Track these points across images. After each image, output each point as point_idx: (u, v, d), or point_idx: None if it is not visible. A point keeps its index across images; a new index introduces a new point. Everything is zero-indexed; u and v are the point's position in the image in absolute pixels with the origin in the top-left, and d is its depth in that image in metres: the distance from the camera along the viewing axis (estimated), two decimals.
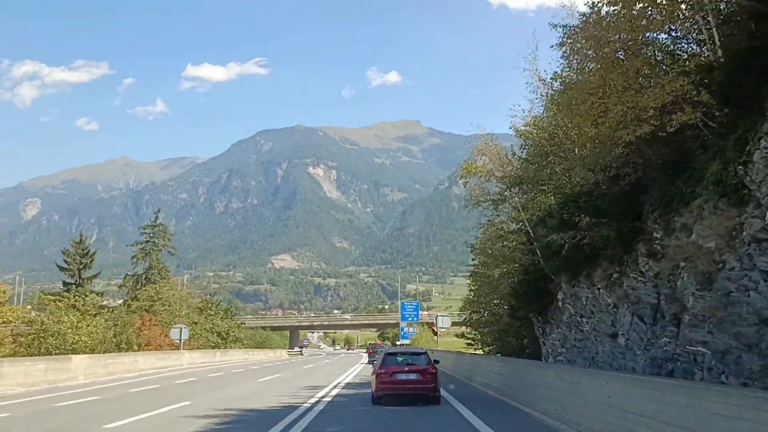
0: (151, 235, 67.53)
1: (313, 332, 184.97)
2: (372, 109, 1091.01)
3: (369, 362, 44.58)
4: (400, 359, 18.07)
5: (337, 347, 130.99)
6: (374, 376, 17.59)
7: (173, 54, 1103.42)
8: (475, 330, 42.41)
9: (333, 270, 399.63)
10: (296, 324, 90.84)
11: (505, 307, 29.56)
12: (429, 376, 17.19)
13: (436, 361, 18.90)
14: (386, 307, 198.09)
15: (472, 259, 39.41)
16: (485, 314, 37.74)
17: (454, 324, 49.22)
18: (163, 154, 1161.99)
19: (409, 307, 65.16)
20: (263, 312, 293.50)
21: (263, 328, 78.58)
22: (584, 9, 15.32)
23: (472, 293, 40.55)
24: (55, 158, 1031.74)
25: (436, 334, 50.73)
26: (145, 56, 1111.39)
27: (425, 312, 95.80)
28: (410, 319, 63.49)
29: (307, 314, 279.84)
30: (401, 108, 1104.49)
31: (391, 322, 79.17)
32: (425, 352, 19.03)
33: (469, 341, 45.99)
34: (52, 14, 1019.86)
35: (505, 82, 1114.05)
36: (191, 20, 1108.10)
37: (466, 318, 43.36)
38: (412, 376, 17.20)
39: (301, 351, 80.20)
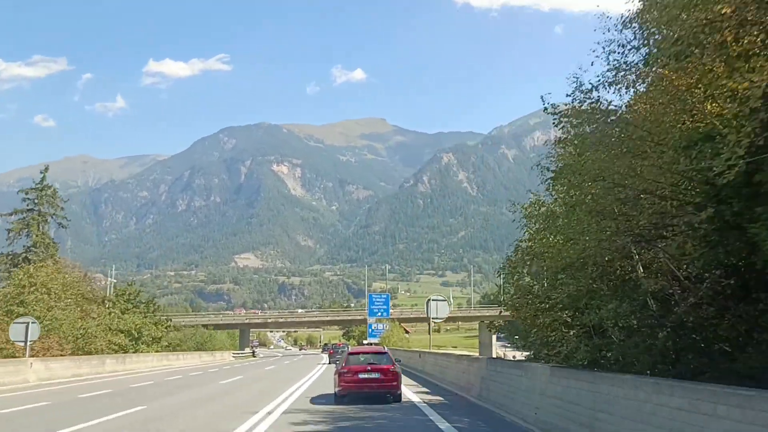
0: (35, 201, 51.62)
1: (273, 332, 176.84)
2: (337, 107, 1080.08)
3: (331, 362, 44.55)
4: (362, 358, 18.45)
5: (304, 348, 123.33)
6: (337, 375, 17.96)
7: (134, 49, 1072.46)
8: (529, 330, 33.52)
9: (297, 268, 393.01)
10: (247, 321, 76.01)
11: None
12: (391, 374, 17.62)
13: (398, 360, 19.70)
14: (352, 305, 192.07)
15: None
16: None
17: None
18: (123, 151, 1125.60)
19: (377, 300, 57.38)
20: (227, 312, 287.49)
21: (205, 326, 67.20)
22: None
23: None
24: (11, 155, 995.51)
25: (407, 332, 43.90)
26: (105, 51, 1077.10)
27: (396, 309, 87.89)
28: (379, 314, 55.71)
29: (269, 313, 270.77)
30: (366, 106, 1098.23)
31: (357, 318, 71.72)
32: (387, 352, 19.71)
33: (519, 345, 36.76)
34: (9, 8, 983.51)
35: (469, 81, 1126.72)
36: (153, 15, 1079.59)
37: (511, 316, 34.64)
38: (375, 375, 17.54)
39: (253, 352, 72.04)
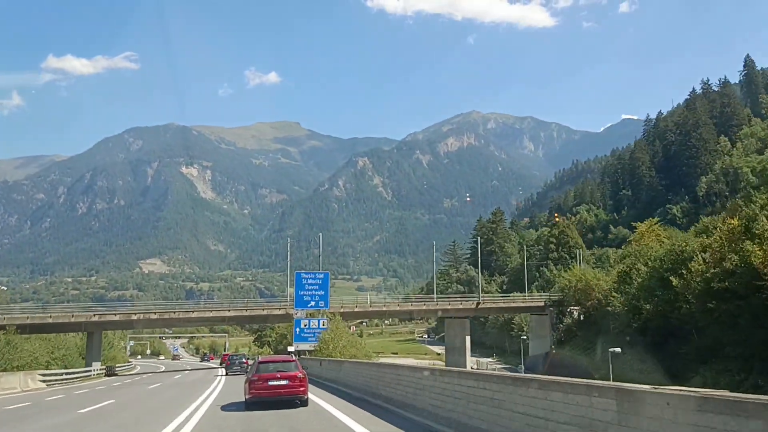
0: None
1: (166, 337, 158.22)
2: (250, 110, 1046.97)
3: (229, 374, 42.57)
4: (271, 367, 18.99)
5: (210, 358, 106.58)
6: (247, 384, 18.45)
7: (32, 43, 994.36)
8: None
9: (207, 274, 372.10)
10: (96, 320, 47.19)
11: None
12: (298, 381, 18.25)
13: (305, 367, 20.91)
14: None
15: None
16: None
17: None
18: (18, 151, 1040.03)
19: (310, 281, 39.91)
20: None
21: (19, 327, 40.64)
22: None
23: None
24: None
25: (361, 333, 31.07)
26: (0, 44, 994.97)
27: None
28: (312, 304, 39.59)
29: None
30: (280, 109, 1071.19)
31: (276, 313, 54.57)
32: (295, 360, 21.44)
33: None
34: None
35: (383, 87, 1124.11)
36: (54, 8, 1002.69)
37: None
38: (284, 382, 18.11)
39: (107, 370, 49.73)
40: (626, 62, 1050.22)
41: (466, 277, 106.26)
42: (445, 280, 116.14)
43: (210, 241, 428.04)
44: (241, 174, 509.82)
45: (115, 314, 50.48)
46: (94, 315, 47.45)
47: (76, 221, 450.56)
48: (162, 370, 63.16)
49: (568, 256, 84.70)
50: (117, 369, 53.50)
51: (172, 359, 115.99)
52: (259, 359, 22.99)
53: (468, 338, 56.12)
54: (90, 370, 44.35)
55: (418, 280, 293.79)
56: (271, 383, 17.94)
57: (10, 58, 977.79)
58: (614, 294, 47.53)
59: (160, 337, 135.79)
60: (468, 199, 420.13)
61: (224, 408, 18.27)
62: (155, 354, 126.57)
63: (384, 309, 57.62)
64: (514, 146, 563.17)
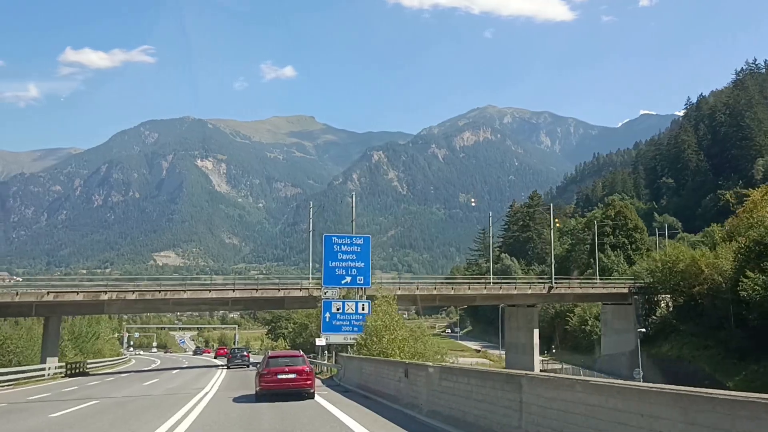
0: None
1: (182, 331, 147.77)
2: (265, 104, 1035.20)
3: (230, 367, 44.01)
4: (281, 361, 19.76)
5: (204, 351, 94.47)
6: (258, 377, 19.39)
7: (50, 37, 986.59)
8: None
9: (221, 267, 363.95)
10: (53, 300, 35.67)
11: None
12: (306, 375, 19.18)
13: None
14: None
15: None
16: None
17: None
18: (36, 144, 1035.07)
19: (345, 247, 29.38)
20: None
21: None
22: None
23: None
24: None
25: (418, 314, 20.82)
26: (19, 37, 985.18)
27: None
28: (348, 279, 28.82)
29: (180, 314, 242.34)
30: (296, 103, 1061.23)
31: (295, 294, 42.07)
32: (302, 355, 21.39)
33: None
34: None
35: (399, 82, 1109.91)
36: (71, 1, 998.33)
37: None
38: (292, 375, 18.94)
39: (68, 369, 37.66)
40: (646, 57, 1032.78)
41: (501, 267, 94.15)
42: (474, 270, 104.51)
43: (224, 234, 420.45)
44: (256, 167, 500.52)
45: (76, 292, 37.18)
46: (48, 293, 35.08)
47: (91, 213, 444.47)
48: (152, 367, 51.83)
49: (626, 241, 72.37)
50: (93, 365, 41.98)
51: (194, 353, 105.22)
52: (269, 354, 23.39)
53: (536, 332, 44.29)
54: (43, 368, 32.72)
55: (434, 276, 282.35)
56: (280, 377, 18.91)
57: (28, 51, 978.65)
58: (750, 274, 35.19)
59: (161, 328, 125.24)
60: (473, 202, 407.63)
61: None
62: (162, 347, 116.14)
63: (435, 293, 44.81)
64: (531, 141, 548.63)
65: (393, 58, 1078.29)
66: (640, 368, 38.21)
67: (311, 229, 47.94)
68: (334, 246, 29.31)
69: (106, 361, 50.41)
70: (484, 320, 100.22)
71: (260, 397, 18.82)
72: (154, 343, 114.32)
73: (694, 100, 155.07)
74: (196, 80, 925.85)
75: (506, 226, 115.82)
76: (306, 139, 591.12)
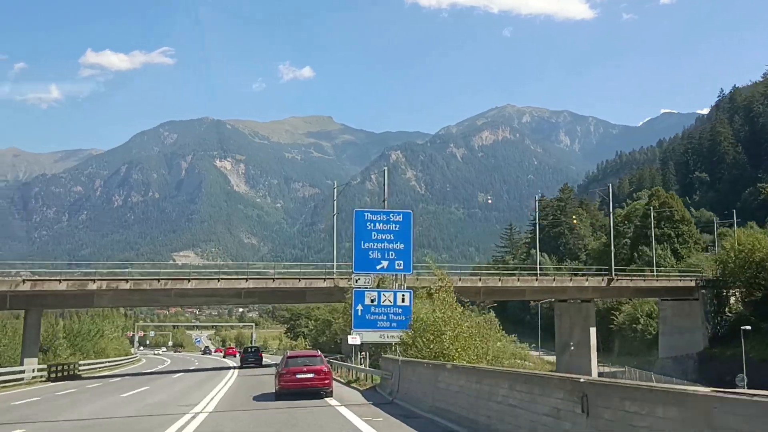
0: None
1: (199, 330, 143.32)
2: (283, 104, 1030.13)
3: (243, 366, 43.83)
4: (299, 361, 20.21)
5: (215, 351, 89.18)
6: (277, 376, 19.92)
7: (72, 39, 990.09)
8: None
9: (240, 267, 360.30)
10: (29, 290, 31.00)
11: None
12: (324, 374, 19.58)
13: (330, 362, 24.23)
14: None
15: None
16: None
17: None
18: (57, 145, 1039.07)
19: (381, 224, 24.30)
20: (160, 310, 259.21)
21: None
22: None
23: None
24: None
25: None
26: (41, 40, 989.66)
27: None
28: (385, 264, 23.82)
29: (199, 313, 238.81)
30: (313, 104, 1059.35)
31: (318, 285, 37.07)
32: (320, 355, 21.68)
33: None
34: None
35: (416, 81, 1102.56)
36: (93, 4, 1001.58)
37: None
38: (310, 375, 19.32)
39: (50, 370, 32.24)
40: (667, 55, 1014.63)
41: (530, 263, 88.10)
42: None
43: (243, 234, 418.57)
44: (274, 168, 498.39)
45: (59, 280, 32.02)
46: (24, 281, 29.83)
47: (111, 213, 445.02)
48: (157, 368, 46.89)
49: (672, 233, 66.32)
50: (89, 366, 36.98)
51: (203, 353, 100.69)
52: (288, 354, 23.17)
53: (594, 331, 38.68)
54: (22, 371, 27.72)
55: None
56: (298, 376, 19.19)
57: (50, 54, 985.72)
58: None
59: (175, 326, 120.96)
60: (489, 200, 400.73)
61: None
62: (178, 345, 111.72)
63: (479, 285, 39.10)
64: (550, 140, 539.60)
65: (411, 58, 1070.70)
66: (744, 374, 32.11)
67: (335, 212, 42.72)
68: (367, 224, 23.98)
69: (106, 362, 45.33)
70: (512, 319, 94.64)
71: (280, 396, 19.34)
72: (170, 342, 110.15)
73: (718, 94, 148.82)
74: (214, 81, 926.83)
75: (535, 221, 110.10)
76: (324, 140, 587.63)
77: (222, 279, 38.95)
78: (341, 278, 32.52)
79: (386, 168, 32.10)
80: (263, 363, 48.11)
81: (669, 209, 67.63)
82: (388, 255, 23.41)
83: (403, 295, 22.56)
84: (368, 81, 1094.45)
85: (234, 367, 42.96)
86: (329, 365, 20.98)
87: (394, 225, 23.80)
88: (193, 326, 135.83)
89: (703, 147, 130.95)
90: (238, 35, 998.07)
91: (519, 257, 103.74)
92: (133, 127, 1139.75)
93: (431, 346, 17.63)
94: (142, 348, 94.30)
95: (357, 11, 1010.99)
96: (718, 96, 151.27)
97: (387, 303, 22.28)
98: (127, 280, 35.48)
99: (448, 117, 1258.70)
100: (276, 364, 30.61)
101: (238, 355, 76.92)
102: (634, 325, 55.58)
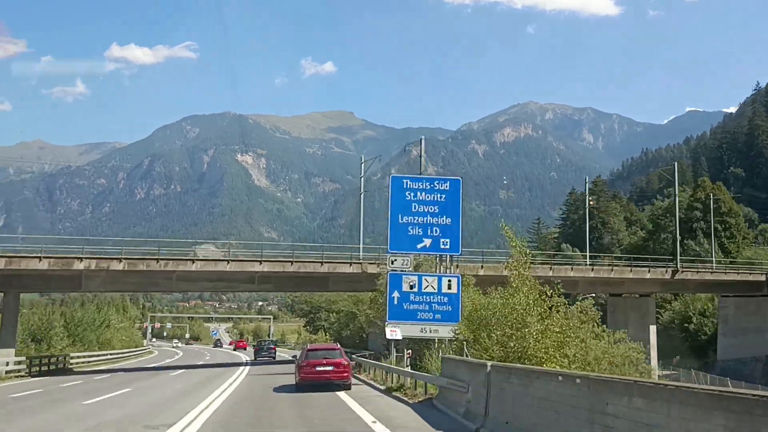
0: None
1: (217, 324, 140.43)
2: (305, 99, 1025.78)
3: (256, 359, 45.07)
4: (319, 354, 20.58)
5: (236, 344, 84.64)
6: (298, 368, 20.29)
7: (97, 33, 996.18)
8: None
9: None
10: (3, 267, 26.84)
11: None
12: (343, 367, 19.79)
13: (358, 359, 25.30)
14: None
15: None
16: None
17: None
18: (82, 138, 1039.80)
19: (423, 193, 20.38)
20: (182, 303, 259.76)
21: None
22: None
23: None
24: None
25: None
26: (66, 34, 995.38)
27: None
28: (427, 242, 19.65)
29: (219, 306, 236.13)
30: (335, 99, 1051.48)
31: (344, 270, 32.99)
32: (340, 348, 21.95)
33: None
34: None
35: (439, 77, 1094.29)
36: None
37: None
38: (329, 368, 19.54)
39: (36, 366, 28.69)
40: (693, 53, 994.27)
41: (560, 259, 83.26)
42: None
43: (263, 228, 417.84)
44: (295, 162, 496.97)
45: (39, 258, 26.78)
46: None
47: (134, 206, 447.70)
48: (164, 362, 43.10)
49: (719, 227, 61.30)
50: (84, 359, 33.20)
51: (214, 346, 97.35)
52: (308, 347, 23.76)
53: (653, 330, 34.35)
54: None
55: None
56: (318, 369, 19.36)
57: (75, 47, 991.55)
58: None
59: (190, 318, 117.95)
60: (507, 194, 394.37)
61: None
62: (192, 338, 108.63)
63: (536, 272, 34.59)
64: (573, 138, 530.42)
65: (433, 54, 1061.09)
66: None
67: (362, 191, 38.66)
68: (406, 193, 19.97)
69: (107, 354, 41.37)
70: None
71: (300, 387, 19.54)
72: (186, 335, 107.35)
73: (753, 88, 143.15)
74: (237, 76, 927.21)
75: (564, 216, 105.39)
76: (345, 135, 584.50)
77: (232, 261, 35.05)
78: (369, 263, 28.44)
79: (422, 138, 28.12)
80: (277, 357, 46.67)
81: (716, 201, 62.72)
82: (432, 231, 19.39)
83: (450, 281, 18.51)
84: (390, 76, 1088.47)
85: (244, 364, 38.80)
86: (348, 359, 21.18)
87: (439, 195, 19.86)
88: (210, 318, 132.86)
89: (738, 142, 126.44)
90: (260, 30, 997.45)
91: (547, 254, 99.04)
92: (156, 120, 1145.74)
93: (511, 344, 13.16)
94: (155, 340, 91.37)
95: (380, 6, 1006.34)
96: (754, 89, 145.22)
97: (429, 290, 18.25)
98: (119, 260, 30.82)
99: (470, 113, 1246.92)
100: (292, 359, 31.24)
101: (248, 348, 75.95)
102: (685, 324, 50.66)
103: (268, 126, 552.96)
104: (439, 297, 18.33)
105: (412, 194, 20.20)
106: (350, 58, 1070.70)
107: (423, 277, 18.95)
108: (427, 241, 19.65)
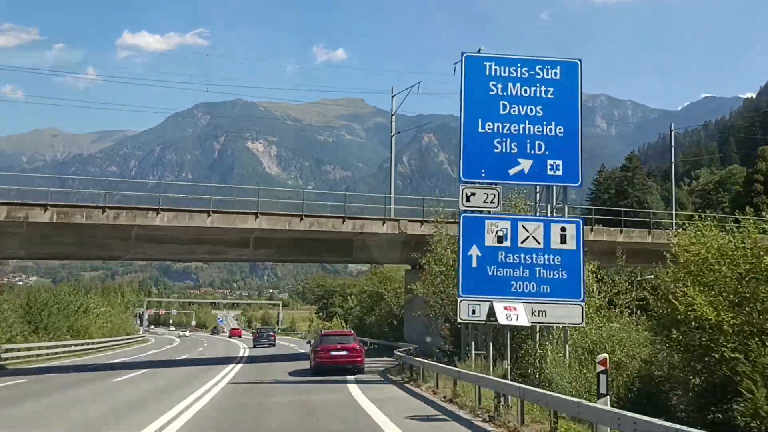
0: None
1: (226, 311, 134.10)
2: (316, 87, 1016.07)
3: (255, 346, 44.54)
4: (333, 339, 21.28)
5: (237, 331, 77.27)
6: (313, 353, 21.16)
7: (109, 20, 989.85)
8: None
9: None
10: None
11: None
12: (356, 352, 20.60)
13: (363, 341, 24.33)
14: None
15: None
16: None
17: None
18: (94, 126, 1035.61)
19: (514, 87, 11.69)
20: (192, 291, 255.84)
21: None
22: None
23: None
24: None
25: None
26: (78, 22, 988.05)
27: None
28: (529, 164, 11.31)
29: (230, 294, 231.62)
30: (346, 86, 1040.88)
31: (376, 231, 24.89)
32: (353, 333, 22.96)
33: None
34: None
35: (449, 63, 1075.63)
36: None
37: None
38: (343, 353, 20.24)
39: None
40: (709, 39, 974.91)
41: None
42: None
43: None
44: (306, 150, 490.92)
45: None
46: None
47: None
48: (147, 354, 36.07)
49: None
50: (32, 352, 26.29)
51: (211, 333, 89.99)
52: (322, 332, 24.53)
53: None
54: None
55: None
56: (332, 353, 20.05)
57: (88, 35, 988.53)
58: None
59: (191, 303, 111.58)
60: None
61: None
62: (201, 326, 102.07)
63: (620, 239, 26.80)
64: (586, 124, 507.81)
65: (445, 40, 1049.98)
66: None
67: (393, 111, 31.36)
68: (491, 85, 12.05)
69: (70, 345, 33.01)
70: None
71: (315, 371, 20.15)
72: (193, 322, 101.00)
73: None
74: (248, 63, 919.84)
75: (593, 195, 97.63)
76: (356, 122, 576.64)
77: (215, 213, 23.75)
78: (410, 220, 20.75)
79: (464, 54, 21.55)
80: (275, 344, 47.52)
81: None
82: (533, 148, 11.79)
83: (564, 227, 11.05)
84: (401, 63, 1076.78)
85: (238, 359, 29.57)
86: (361, 343, 21.76)
87: (544, 89, 12.21)
88: (215, 303, 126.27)
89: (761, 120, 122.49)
90: (272, 17, 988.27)
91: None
92: (168, 108, 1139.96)
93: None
94: (152, 327, 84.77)
95: None
96: None
97: (531, 245, 10.79)
98: (45, 207, 20.65)
99: None
100: (305, 346, 31.69)
101: (243, 335, 75.75)
102: None
103: (279, 113, 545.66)
104: (546, 255, 10.92)
105: (499, 87, 12.45)
106: (361, 44, 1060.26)
107: (520, 223, 11.36)
108: (526, 163, 11.96)
